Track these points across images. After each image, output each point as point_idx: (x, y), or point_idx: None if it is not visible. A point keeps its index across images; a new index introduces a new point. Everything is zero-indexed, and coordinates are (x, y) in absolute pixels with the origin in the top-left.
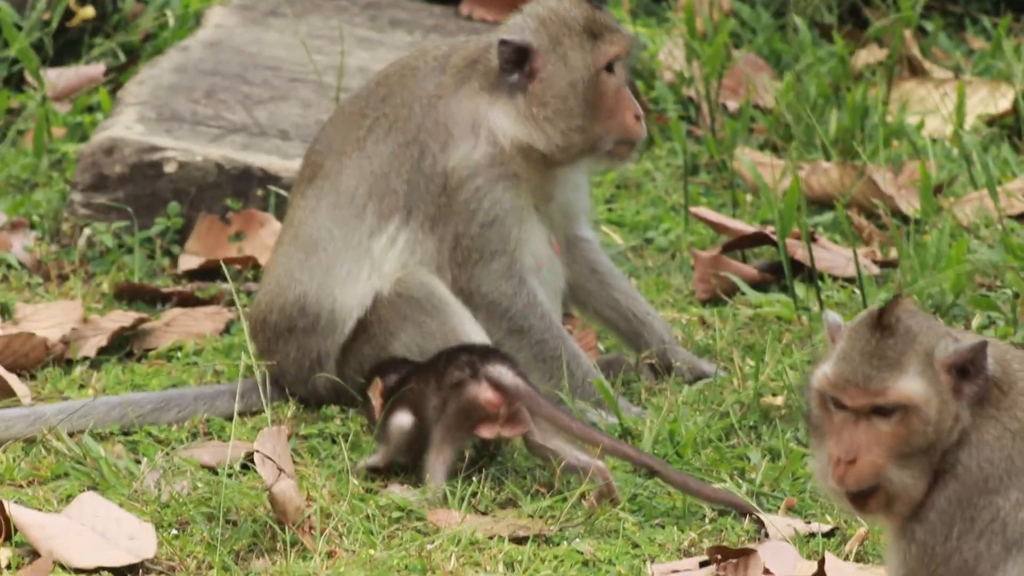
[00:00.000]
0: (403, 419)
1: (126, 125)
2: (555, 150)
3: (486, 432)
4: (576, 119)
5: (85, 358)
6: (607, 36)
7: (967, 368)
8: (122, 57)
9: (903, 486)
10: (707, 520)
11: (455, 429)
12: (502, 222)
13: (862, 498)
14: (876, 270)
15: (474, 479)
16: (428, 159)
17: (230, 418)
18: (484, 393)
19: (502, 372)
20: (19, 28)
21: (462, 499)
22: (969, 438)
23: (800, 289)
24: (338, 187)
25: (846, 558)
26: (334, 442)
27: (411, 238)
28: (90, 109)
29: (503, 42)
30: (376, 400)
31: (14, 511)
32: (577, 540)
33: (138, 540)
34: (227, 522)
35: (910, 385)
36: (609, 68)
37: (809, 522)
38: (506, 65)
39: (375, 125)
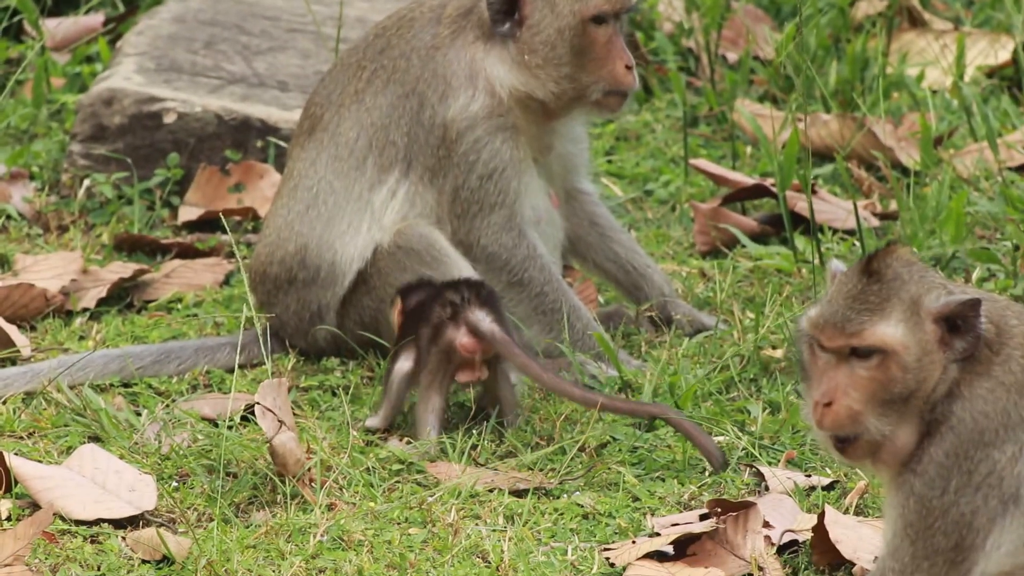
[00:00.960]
0: (404, 364)
1: (125, 76)
2: (551, 97)
3: (463, 377)
4: (565, 67)
5: (85, 309)
6: None
7: (957, 322)
8: (121, 7)
9: (880, 433)
10: (707, 473)
11: (438, 373)
12: (501, 174)
13: (845, 443)
14: (876, 222)
15: (474, 432)
16: (427, 111)
17: (231, 370)
18: (461, 338)
19: (480, 318)
20: None
21: (462, 452)
22: (961, 392)
23: (800, 241)
24: (337, 139)
25: (846, 511)
26: (334, 394)
27: (411, 190)
28: (89, 59)
29: None
30: (396, 319)
31: (14, 462)
32: (577, 493)
33: (138, 492)
34: (227, 474)
35: (888, 330)
36: (599, 19)
37: (809, 475)
38: (496, 15)
39: (374, 77)
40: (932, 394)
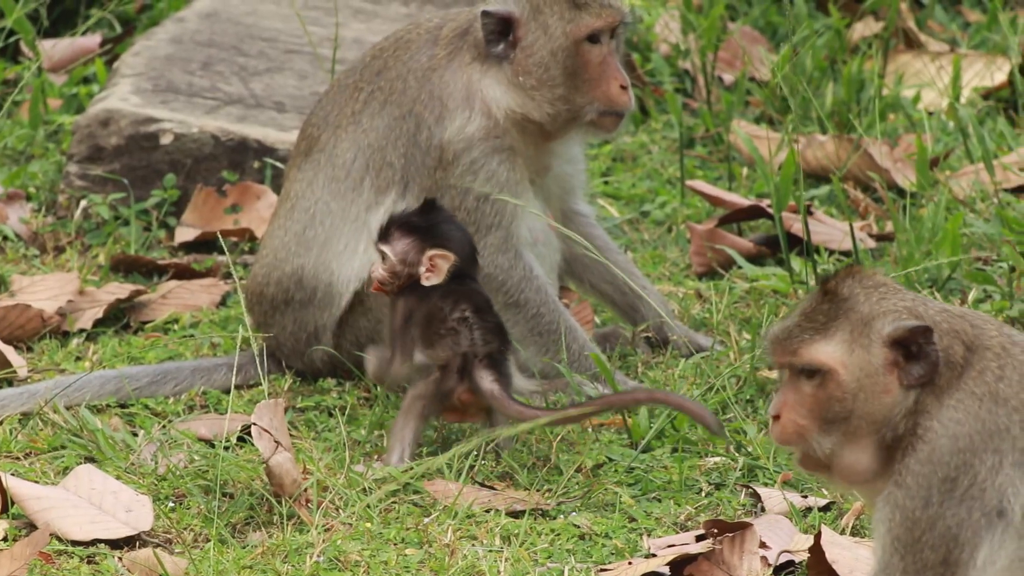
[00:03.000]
0: (419, 356)
1: (122, 97)
2: (547, 119)
3: (450, 418)
4: (559, 88)
5: (81, 330)
6: (591, 7)
7: (911, 348)
8: (118, 28)
9: (824, 450)
10: (703, 494)
11: (428, 400)
12: (499, 195)
13: (803, 458)
14: (872, 244)
15: (472, 452)
16: (424, 132)
17: (227, 391)
18: (461, 393)
19: (483, 377)
20: None
21: (459, 472)
22: (929, 406)
23: (796, 262)
24: (334, 160)
25: (842, 532)
26: (331, 415)
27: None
28: (86, 80)
29: (485, 13)
30: (431, 270)
31: (11, 483)
32: (574, 514)
33: (135, 512)
34: (224, 495)
35: (826, 349)
36: (593, 39)
37: (806, 496)
38: (490, 36)
39: (371, 98)
40: (893, 415)
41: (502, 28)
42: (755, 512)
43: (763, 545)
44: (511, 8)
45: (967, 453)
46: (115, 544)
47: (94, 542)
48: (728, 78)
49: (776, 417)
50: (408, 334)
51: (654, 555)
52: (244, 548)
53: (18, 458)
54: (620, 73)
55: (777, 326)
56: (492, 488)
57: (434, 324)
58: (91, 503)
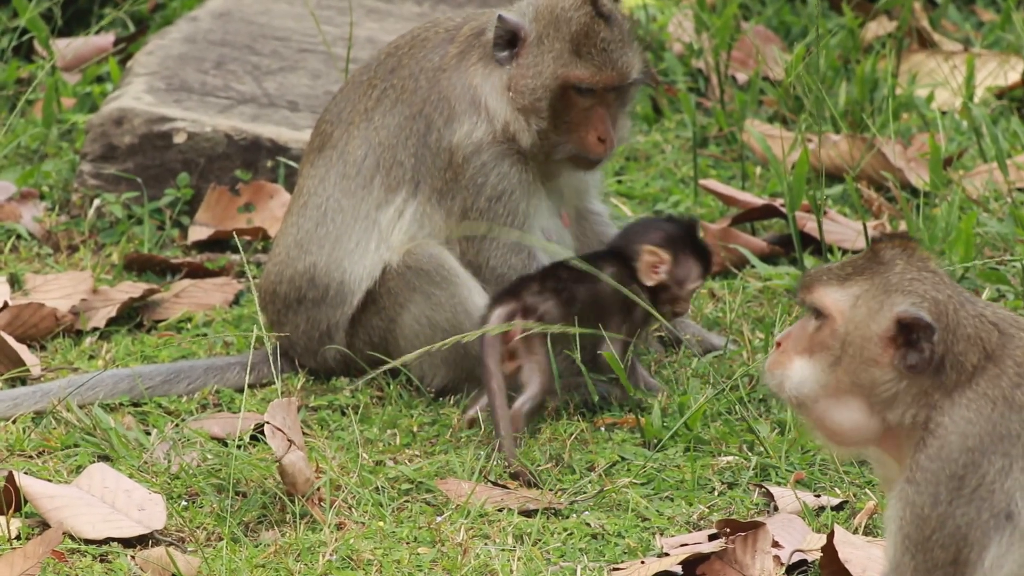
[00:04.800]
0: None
1: (135, 96)
2: (526, 145)
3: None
4: (542, 120)
5: (95, 329)
6: (591, 59)
7: (912, 336)
8: (131, 27)
9: (799, 388)
10: (716, 493)
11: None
12: (510, 196)
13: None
14: None
15: (484, 451)
16: (434, 133)
17: (240, 390)
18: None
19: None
20: None
21: (472, 471)
22: (942, 403)
23: (809, 262)
24: (346, 158)
25: (855, 531)
26: (344, 414)
27: (418, 210)
28: (99, 79)
29: (500, 18)
30: (653, 271)
31: (24, 482)
32: (587, 513)
33: (148, 511)
34: (237, 493)
35: (834, 295)
36: (582, 89)
37: (818, 495)
38: (498, 41)
39: (383, 96)
40: (882, 390)
41: (510, 37)
42: (768, 511)
43: (776, 544)
44: (523, 23)
45: (975, 452)
46: (128, 543)
47: (107, 540)
48: (742, 77)
49: (778, 344)
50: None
51: (666, 554)
52: (257, 547)
53: (31, 457)
54: (604, 126)
55: (813, 268)
56: (504, 487)
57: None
58: (104, 502)
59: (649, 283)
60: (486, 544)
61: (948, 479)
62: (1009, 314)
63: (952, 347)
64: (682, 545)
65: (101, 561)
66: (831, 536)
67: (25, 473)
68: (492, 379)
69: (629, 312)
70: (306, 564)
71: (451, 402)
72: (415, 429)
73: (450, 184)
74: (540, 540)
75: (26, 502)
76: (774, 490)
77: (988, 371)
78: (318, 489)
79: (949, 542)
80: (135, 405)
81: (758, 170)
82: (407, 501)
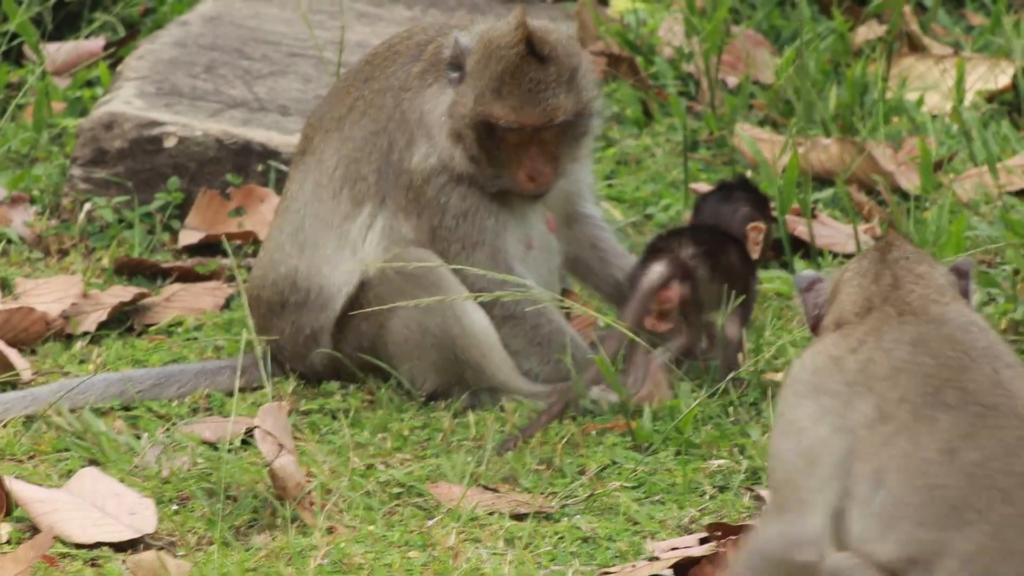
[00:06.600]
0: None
1: (126, 100)
2: (466, 173)
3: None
4: (471, 149)
5: (85, 333)
6: (512, 99)
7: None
8: (122, 31)
9: None
10: (707, 497)
11: None
12: (475, 213)
13: None
14: None
15: (475, 455)
16: (396, 153)
17: (231, 393)
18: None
19: None
20: (19, 2)
21: (463, 475)
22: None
23: (800, 265)
24: (321, 165)
25: None
26: (334, 418)
27: (386, 224)
28: (90, 83)
29: (455, 39)
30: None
31: (14, 486)
32: (577, 517)
33: (138, 515)
34: (227, 497)
35: None
36: (504, 127)
37: None
38: (451, 62)
39: (354, 106)
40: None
41: (461, 60)
42: (759, 515)
43: None
44: (470, 47)
45: (800, 397)
46: (119, 547)
47: (97, 545)
48: (732, 81)
49: None
50: None
51: (657, 558)
52: (248, 551)
53: (22, 461)
54: (533, 164)
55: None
56: (495, 491)
57: None
58: (94, 506)
59: (758, 256)
60: (477, 548)
61: (779, 411)
62: (934, 301)
63: (824, 313)
64: (673, 549)
65: (92, 565)
66: None
67: (15, 477)
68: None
69: (747, 287)
70: (297, 568)
71: (442, 406)
72: (406, 433)
73: (414, 203)
74: (531, 544)
75: (16, 506)
76: (764, 493)
77: (846, 329)
78: (309, 493)
79: (777, 466)
80: (126, 409)
81: (748, 174)
82: (398, 505)
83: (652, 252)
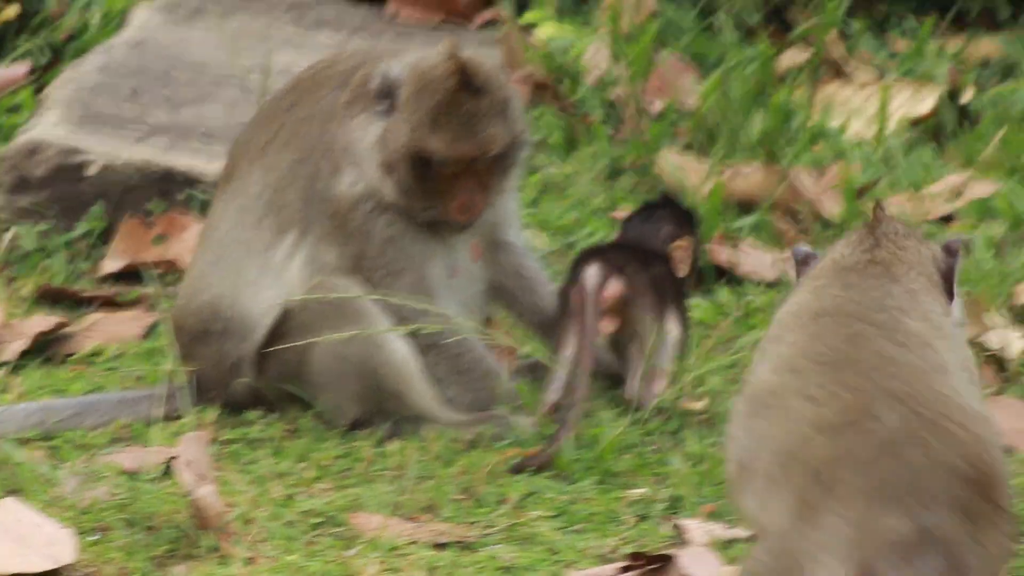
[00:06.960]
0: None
1: (49, 126)
2: (394, 199)
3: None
4: (403, 180)
5: (6, 362)
6: (448, 131)
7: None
8: (47, 57)
9: None
10: (627, 526)
11: None
12: (401, 241)
13: None
14: None
15: (396, 484)
16: (320, 181)
17: (152, 423)
18: None
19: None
20: None
21: (383, 504)
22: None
23: (723, 293)
24: (244, 192)
25: None
26: (255, 447)
27: (311, 252)
28: (14, 109)
29: (383, 71)
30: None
31: None
32: (498, 546)
33: (57, 546)
34: (147, 528)
35: None
36: (438, 159)
37: (730, 527)
38: (379, 93)
39: (279, 132)
40: None
41: (390, 91)
42: (679, 544)
43: None
44: (401, 78)
45: (769, 341)
46: None
47: None
48: (658, 106)
49: None
50: None
51: None
52: None
53: None
54: (465, 195)
55: None
56: (416, 521)
57: None
58: (13, 536)
59: (684, 274)
60: None
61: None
62: (875, 276)
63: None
64: None
65: None
66: None
67: None
68: (585, 335)
69: (679, 302)
70: None
71: (364, 435)
72: (327, 462)
73: (339, 230)
74: (451, 574)
75: None
76: (685, 523)
77: (808, 287)
78: (229, 523)
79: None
80: (45, 439)
81: None
82: (318, 535)
83: (579, 263)
